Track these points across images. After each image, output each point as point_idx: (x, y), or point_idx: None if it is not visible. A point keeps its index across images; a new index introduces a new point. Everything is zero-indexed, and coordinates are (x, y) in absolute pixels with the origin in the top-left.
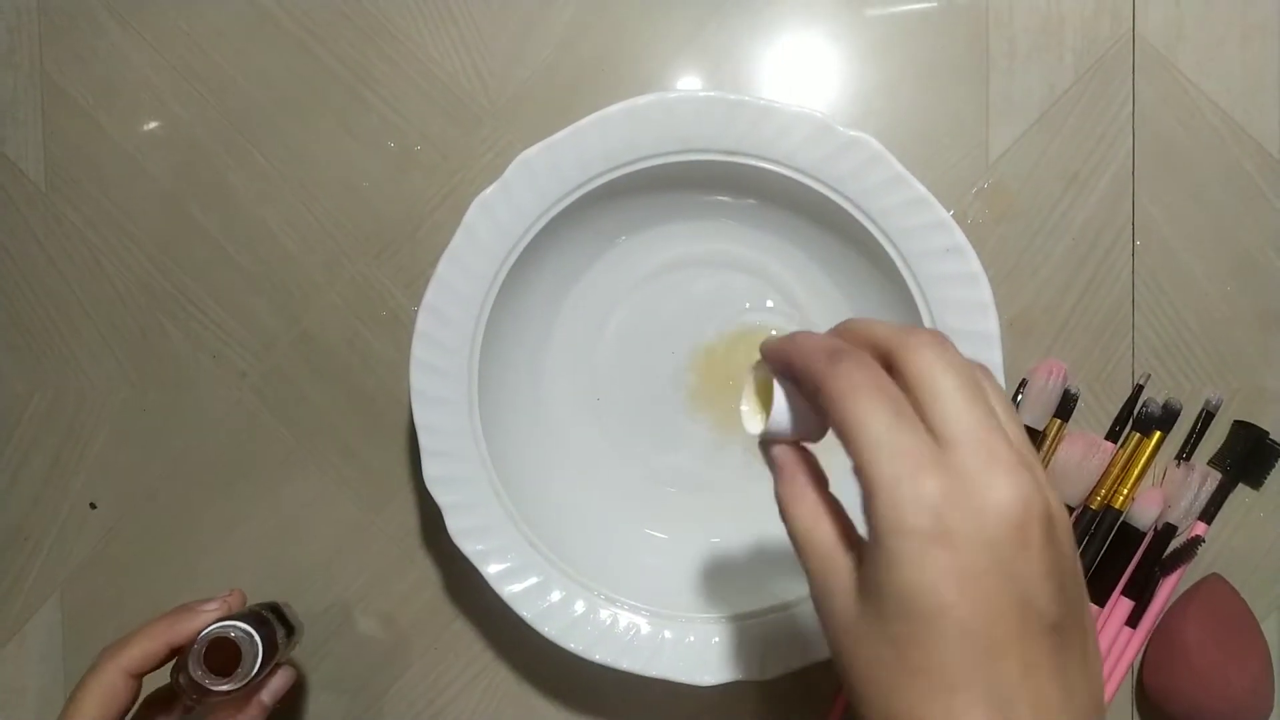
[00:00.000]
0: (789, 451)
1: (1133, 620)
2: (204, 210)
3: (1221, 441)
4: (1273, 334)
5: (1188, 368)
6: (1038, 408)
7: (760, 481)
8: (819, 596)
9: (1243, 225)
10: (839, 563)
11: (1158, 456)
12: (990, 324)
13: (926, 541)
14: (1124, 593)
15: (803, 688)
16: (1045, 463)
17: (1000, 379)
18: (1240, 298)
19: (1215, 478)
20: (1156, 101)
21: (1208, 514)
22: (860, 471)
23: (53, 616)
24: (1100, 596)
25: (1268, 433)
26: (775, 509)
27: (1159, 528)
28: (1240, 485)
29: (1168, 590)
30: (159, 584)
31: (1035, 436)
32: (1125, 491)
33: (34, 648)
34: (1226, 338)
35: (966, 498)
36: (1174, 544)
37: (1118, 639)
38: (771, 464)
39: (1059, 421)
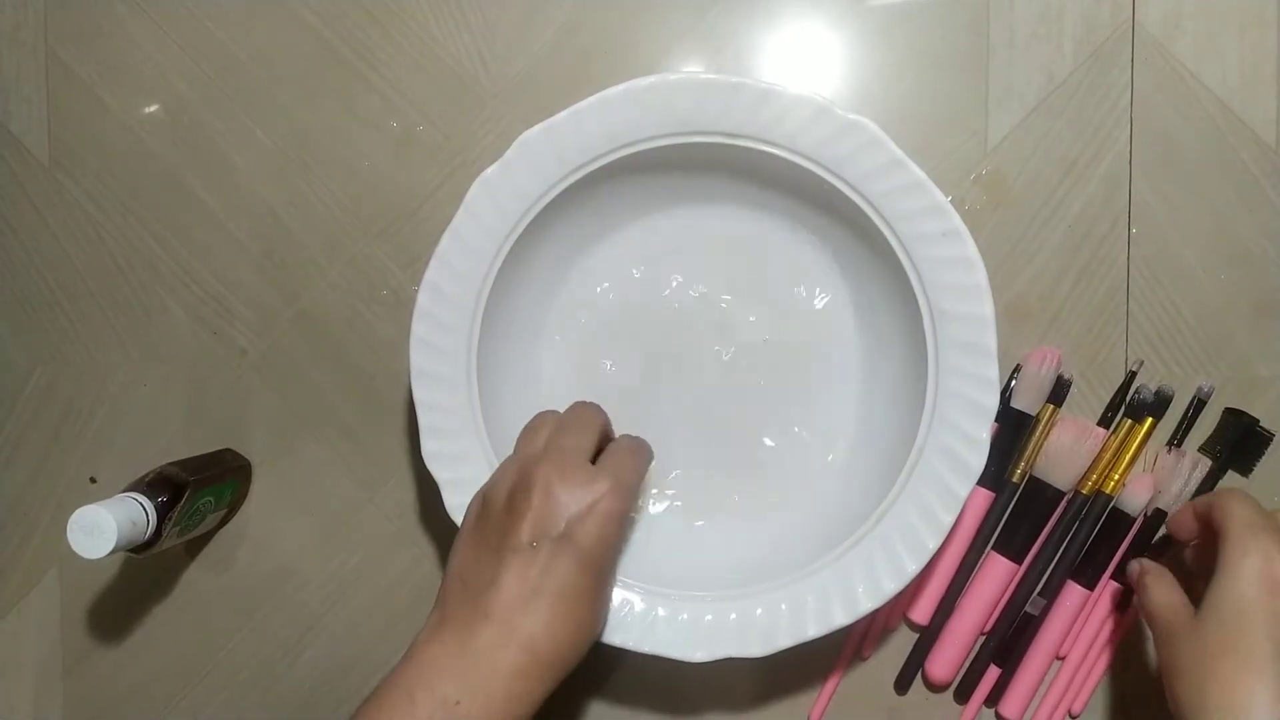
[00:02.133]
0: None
1: (1121, 605)
2: (206, 188)
3: (1212, 429)
4: (1266, 322)
5: (1181, 355)
6: (1031, 393)
7: (756, 462)
8: (1166, 632)
9: (1238, 215)
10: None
11: (1149, 443)
12: (985, 308)
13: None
14: (1113, 577)
15: (794, 666)
16: (1037, 448)
17: (994, 364)
18: (1234, 286)
19: (1205, 465)
20: (1155, 91)
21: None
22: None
23: (51, 591)
24: (1090, 581)
25: (1258, 420)
26: (768, 489)
27: (1149, 513)
28: (1229, 472)
29: None
30: (158, 559)
31: (1028, 422)
32: (1116, 477)
33: (32, 621)
34: (1220, 326)
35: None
36: (1163, 530)
37: (1105, 623)
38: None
39: (1052, 407)
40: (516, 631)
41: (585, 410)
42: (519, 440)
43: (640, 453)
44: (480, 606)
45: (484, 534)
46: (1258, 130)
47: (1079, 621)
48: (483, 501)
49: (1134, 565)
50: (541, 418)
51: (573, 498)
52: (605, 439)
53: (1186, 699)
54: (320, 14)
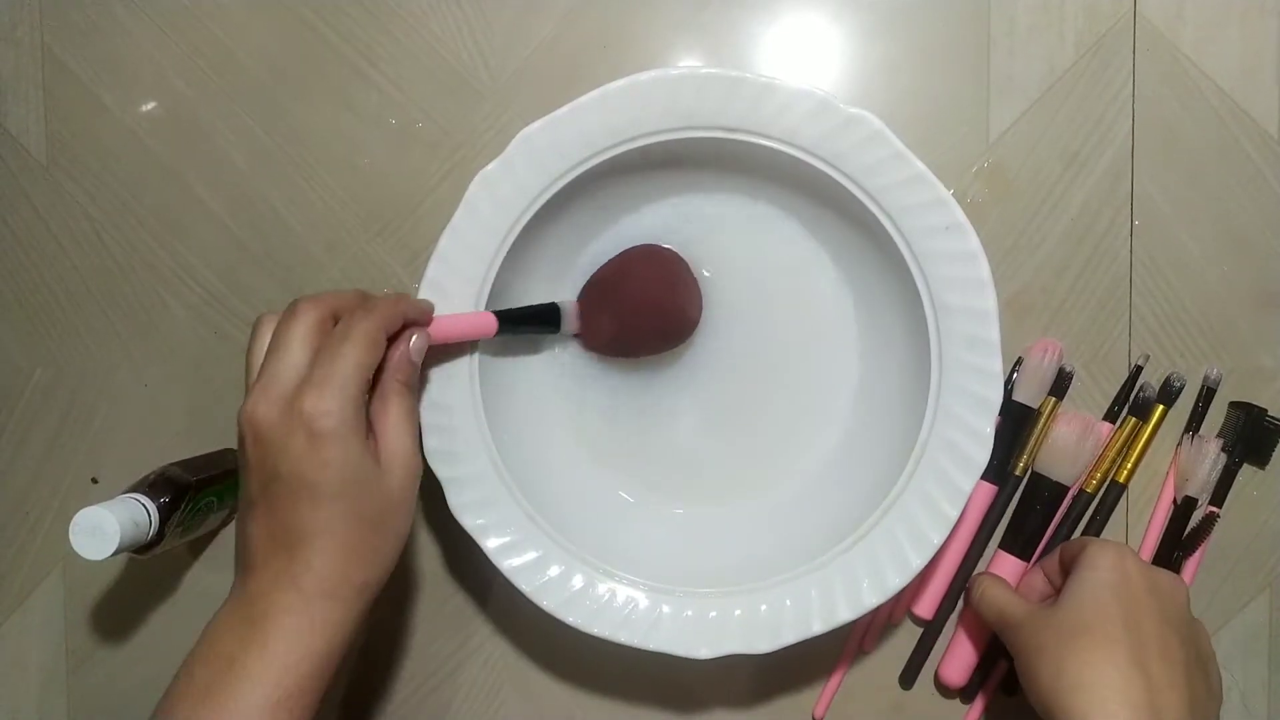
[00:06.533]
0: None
1: None
2: (206, 186)
3: (1219, 426)
4: (1269, 313)
5: (1184, 347)
6: (1033, 386)
7: (757, 459)
8: (1018, 619)
9: (1240, 205)
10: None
11: (1159, 434)
12: (988, 302)
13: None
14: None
15: (798, 661)
16: (1040, 440)
17: (997, 357)
18: (1237, 277)
19: (1222, 458)
20: (1156, 81)
21: (1218, 497)
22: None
23: (54, 591)
24: None
25: (1266, 411)
26: (771, 484)
27: (1178, 501)
28: (1244, 465)
29: (1192, 570)
30: (161, 560)
31: (1030, 415)
32: (1129, 467)
33: (36, 622)
34: (1223, 317)
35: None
36: (1194, 523)
37: None
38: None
39: (1053, 400)
40: (278, 575)
41: (288, 319)
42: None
43: (352, 335)
44: (243, 563)
45: (240, 494)
46: (1260, 120)
47: None
48: None
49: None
50: (254, 339)
51: (274, 431)
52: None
53: (1047, 677)
54: (318, 10)
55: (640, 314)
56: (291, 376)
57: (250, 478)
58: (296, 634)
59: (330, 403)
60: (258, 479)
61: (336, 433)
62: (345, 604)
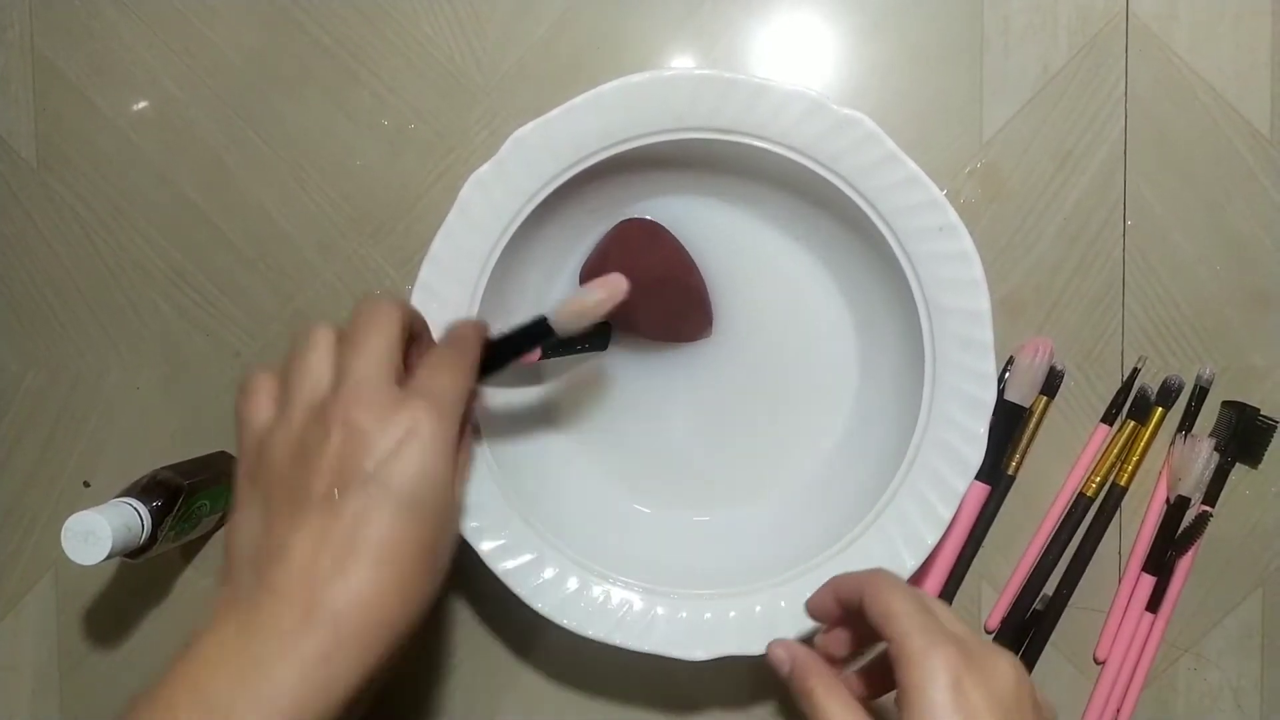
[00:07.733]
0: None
1: (1152, 604)
2: (197, 188)
3: (1212, 424)
4: (1261, 313)
5: (1177, 346)
6: (1024, 385)
7: (752, 461)
8: None
9: (1233, 205)
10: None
11: (1157, 435)
12: (981, 302)
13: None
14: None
15: None
16: (1031, 440)
17: (991, 358)
18: (1230, 277)
19: (1215, 457)
20: (1149, 81)
21: (1210, 496)
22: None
23: (47, 595)
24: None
25: (1259, 410)
26: (766, 485)
27: (1171, 500)
28: (1236, 464)
29: (1185, 569)
30: (154, 563)
31: (1021, 414)
32: (1129, 470)
33: (29, 626)
34: (1216, 316)
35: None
36: (1187, 522)
37: (1140, 624)
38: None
39: (1045, 398)
40: (315, 607)
41: (373, 312)
42: (289, 367)
43: (462, 357)
44: (265, 581)
45: (267, 491)
46: (1252, 120)
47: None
48: (259, 451)
49: (778, 651)
50: (315, 335)
51: (382, 431)
52: (415, 339)
53: None
54: (310, 12)
55: (662, 282)
56: (386, 382)
57: (316, 474)
58: (316, 691)
59: (448, 418)
60: (334, 476)
61: (448, 451)
62: (368, 662)
